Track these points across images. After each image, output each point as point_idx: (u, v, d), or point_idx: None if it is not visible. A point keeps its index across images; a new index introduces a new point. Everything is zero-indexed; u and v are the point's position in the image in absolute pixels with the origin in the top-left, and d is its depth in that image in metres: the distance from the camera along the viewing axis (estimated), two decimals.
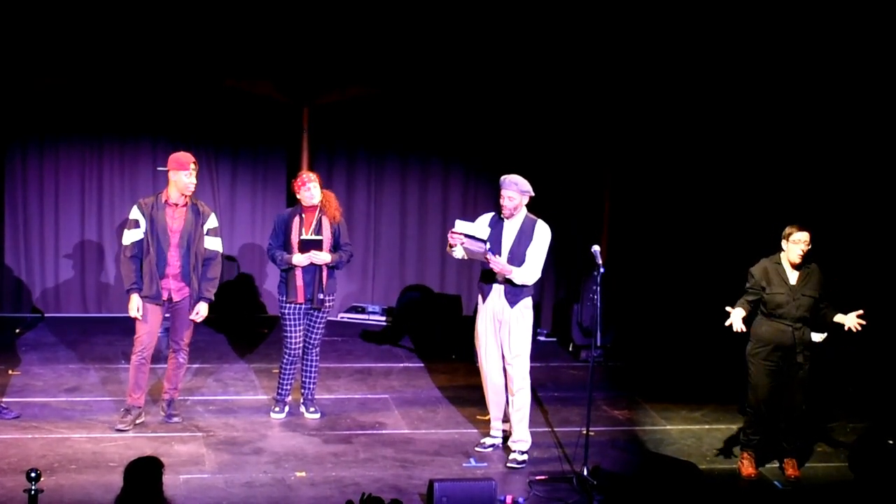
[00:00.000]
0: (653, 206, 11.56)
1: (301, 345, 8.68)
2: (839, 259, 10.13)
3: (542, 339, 11.50)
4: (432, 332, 11.14)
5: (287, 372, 8.73)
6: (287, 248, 8.52)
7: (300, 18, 10.62)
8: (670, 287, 11.42)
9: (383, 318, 11.78)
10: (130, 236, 8.27)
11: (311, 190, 8.50)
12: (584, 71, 11.10)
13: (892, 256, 10.78)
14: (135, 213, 8.28)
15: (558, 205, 11.75)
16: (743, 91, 11.03)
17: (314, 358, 8.77)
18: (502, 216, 7.94)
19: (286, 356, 8.69)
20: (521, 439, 8.04)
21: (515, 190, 7.84)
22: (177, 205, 8.25)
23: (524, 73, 11.18)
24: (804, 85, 10.87)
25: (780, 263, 7.82)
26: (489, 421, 8.35)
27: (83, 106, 11.21)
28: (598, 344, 7.81)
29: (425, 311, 11.44)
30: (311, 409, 8.82)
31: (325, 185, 9.38)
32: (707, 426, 9.01)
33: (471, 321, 10.36)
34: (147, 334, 8.28)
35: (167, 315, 8.47)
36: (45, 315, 11.33)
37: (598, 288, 7.66)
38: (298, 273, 8.49)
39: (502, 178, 7.91)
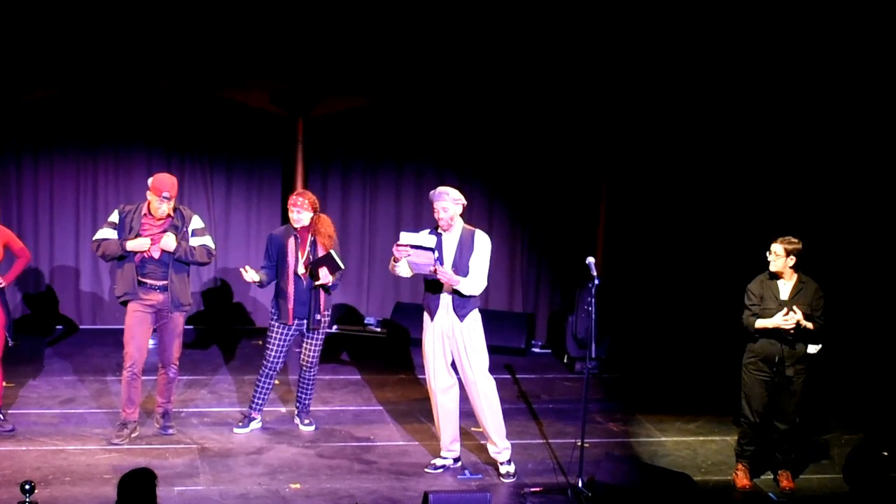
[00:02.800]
0: (648, 218, 11.57)
1: (281, 362, 8.63)
2: (836, 270, 10.15)
3: (537, 350, 11.52)
4: None
5: (261, 385, 8.64)
6: (282, 269, 8.48)
7: (295, 30, 10.63)
8: (665, 299, 11.43)
9: (378, 330, 11.76)
10: (101, 233, 8.24)
11: (299, 213, 8.42)
12: (580, 80, 11.12)
13: (888, 267, 10.78)
14: (113, 216, 8.25)
15: (553, 215, 11.79)
16: (737, 101, 11.05)
17: (311, 377, 8.75)
18: (440, 230, 7.90)
19: (264, 369, 8.62)
20: (504, 448, 8.02)
21: (448, 200, 7.80)
22: (154, 216, 8.17)
23: (520, 82, 11.20)
24: (800, 95, 10.88)
25: (771, 279, 7.84)
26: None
27: (78, 117, 11.24)
28: (593, 355, 7.81)
29: (420, 323, 11.39)
30: (306, 421, 8.81)
31: (320, 196, 9.39)
32: (702, 438, 9.00)
33: None
34: (136, 350, 8.23)
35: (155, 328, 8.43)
36: (40, 327, 11.30)
37: (593, 299, 7.66)
38: (291, 295, 8.46)
39: (431, 192, 7.89)
